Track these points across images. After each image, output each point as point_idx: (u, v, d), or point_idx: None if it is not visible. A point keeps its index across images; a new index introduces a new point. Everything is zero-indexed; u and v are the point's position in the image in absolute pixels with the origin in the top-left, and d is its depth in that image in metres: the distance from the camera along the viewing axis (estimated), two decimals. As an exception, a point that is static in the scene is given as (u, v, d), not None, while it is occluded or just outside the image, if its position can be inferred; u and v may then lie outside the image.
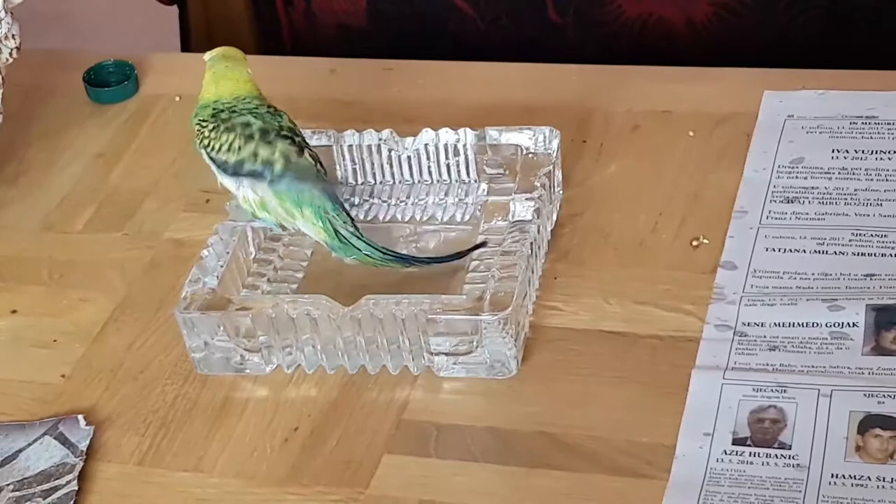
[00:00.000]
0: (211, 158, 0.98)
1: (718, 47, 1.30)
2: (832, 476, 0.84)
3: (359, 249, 0.96)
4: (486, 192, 1.03)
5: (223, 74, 1.00)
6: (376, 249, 0.96)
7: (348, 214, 0.97)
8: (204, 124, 0.98)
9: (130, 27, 2.19)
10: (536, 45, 1.34)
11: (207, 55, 1.02)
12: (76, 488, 0.90)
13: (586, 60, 1.19)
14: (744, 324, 0.93)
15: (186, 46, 1.50)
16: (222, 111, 0.98)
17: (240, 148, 0.96)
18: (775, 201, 1.02)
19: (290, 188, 0.96)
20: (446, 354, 0.92)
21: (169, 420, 0.94)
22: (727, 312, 0.94)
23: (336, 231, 0.96)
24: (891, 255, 0.96)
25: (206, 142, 0.98)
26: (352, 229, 0.96)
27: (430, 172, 1.05)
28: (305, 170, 0.96)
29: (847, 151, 1.05)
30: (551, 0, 1.31)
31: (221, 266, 0.97)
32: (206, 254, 0.97)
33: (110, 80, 1.22)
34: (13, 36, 1.08)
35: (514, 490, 0.87)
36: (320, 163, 0.98)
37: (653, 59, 1.19)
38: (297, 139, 0.98)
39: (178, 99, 1.21)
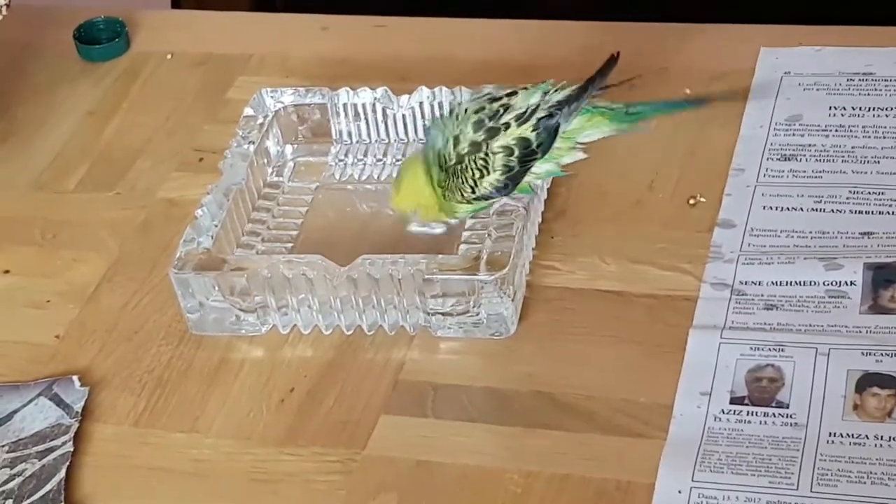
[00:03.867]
0: (486, 198, 0.93)
1: (714, 2, 1.29)
2: (830, 434, 0.84)
3: (646, 111, 0.94)
4: (481, 151, 1.03)
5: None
6: (656, 105, 0.95)
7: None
8: (445, 185, 0.93)
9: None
10: (530, 1, 1.33)
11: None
12: (71, 449, 0.89)
13: (580, 16, 1.18)
14: (741, 283, 0.93)
15: (176, 2, 1.49)
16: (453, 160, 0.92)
17: (484, 160, 0.92)
18: (772, 159, 1.01)
19: (575, 133, 0.94)
20: (443, 314, 0.92)
21: (164, 381, 0.93)
22: (724, 271, 0.94)
23: (624, 119, 0.94)
24: (888, 212, 0.96)
25: (468, 196, 0.93)
26: (634, 108, 0.94)
27: (425, 131, 1.04)
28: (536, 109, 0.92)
29: (844, 108, 1.04)
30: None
31: (216, 226, 0.96)
32: (200, 213, 0.97)
33: (101, 38, 1.21)
34: (3, -7, 1.07)
35: (511, 450, 0.87)
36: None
37: (646, 14, 1.19)
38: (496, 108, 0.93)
39: (169, 57, 1.20)
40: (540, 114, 0.92)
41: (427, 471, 0.86)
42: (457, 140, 0.92)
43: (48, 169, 1.11)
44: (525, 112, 0.92)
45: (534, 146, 0.92)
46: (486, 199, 0.93)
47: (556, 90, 0.94)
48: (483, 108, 0.93)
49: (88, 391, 0.93)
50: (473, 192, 0.92)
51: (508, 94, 0.93)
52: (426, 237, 0.97)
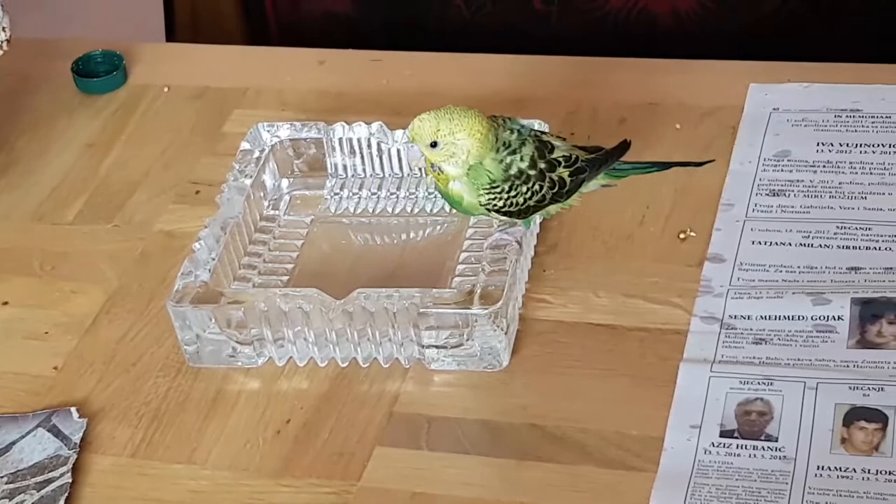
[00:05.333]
0: (508, 214, 0.96)
1: (703, 37, 1.31)
2: (818, 468, 0.85)
3: (627, 170, 0.99)
4: (475, 185, 1.04)
5: (466, 128, 0.94)
6: (638, 165, 0.99)
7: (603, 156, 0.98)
8: (497, 189, 0.94)
9: (114, 10, 2.19)
10: (521, 33, 1.34)
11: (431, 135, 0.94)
12: (70, 480, 0.90)
13: (570, 50, 1.20)
14: (731, 317, 0.94)
15: (171, 32, 1.50)
16: (508, 165, 0.94)
17: (541, 188, 0.95)
18: (761, 194, 1.03)
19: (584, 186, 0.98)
20: (437, 347, 0.93)
21: (162, 412, 0.95)
22: (714, 305, 0.95)
23: (612, 175, 0.99)
24: (875, 248, 0.97)
25: (507, 203, 0.95)
26: (620, 167, 0.98)
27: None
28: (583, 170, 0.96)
29: (832, 144, 1.06)
30: (536, -12, 1.32)
31: (213, 259, 0.98)
32: (197, 247, 0.98)
33: (99, 71, 1.22)
34: (3, 29, 1.09)
35: (505, 482, 0.88)
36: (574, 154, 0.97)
37: (637, 49, 1.20)
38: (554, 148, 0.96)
39: (166, 90, 1.21)
40: (578, 164, 0.96)
41: (422, 503, 0.87)
42: (530, 158, 0.94)
43: (47, 201, 1.12)
44: (570, 157, 0.96)
45: (565, 191, 0.96)
46: (503, 214, 0.96)
47: (572, 145, 0.97)
48: (531, 133, 0.96)
49: (86, 422, 0.94)
50: (509, 206, 0.95)
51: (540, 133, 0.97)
52: (418, 270, 0.99)
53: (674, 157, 1.07)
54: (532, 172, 0.95)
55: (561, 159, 0.95)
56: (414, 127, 0.95)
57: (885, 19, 1.28)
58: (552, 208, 0.97)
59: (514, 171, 0.94)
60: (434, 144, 0.94)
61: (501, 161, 0.94)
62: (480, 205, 0.95)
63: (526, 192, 0.95)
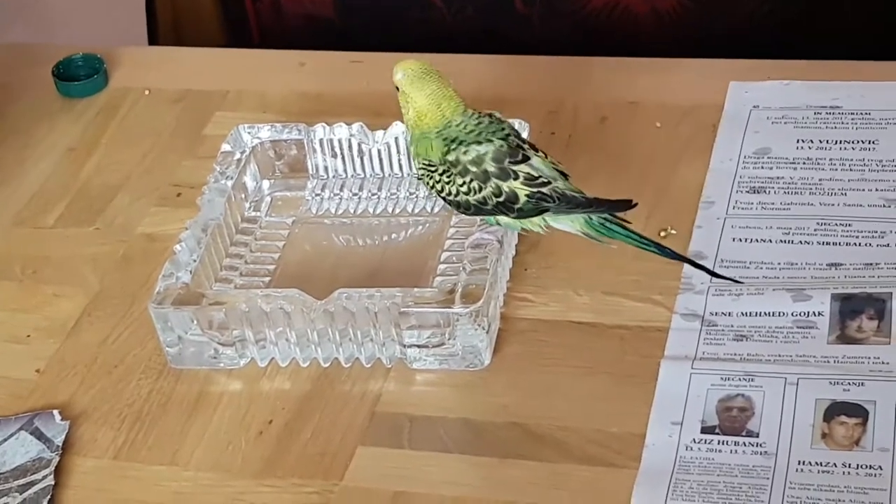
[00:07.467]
0: (446, 200, 0.95)
1: (684, 36, 1.31)
2: (799, 463, 0.85)
3: (618, 233, 0.94)
4: (456, 185, 1.04)
5: (431, 95, 0.96)
6: (633, 236, 0.94)
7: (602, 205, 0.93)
8: (432, 168, 0.95)
9: (96, 16, 2.19)
10: (502, 35, 1.35)
11: (400, 73, 0.97)
12: (52, 483, 0.90)
13: (552, 51, 1.20)
14: (711, 313, 0.94)
15: (153, 37, 1.50)
16: (448, 151, 0.94)
17: (480, 188, 0.93)
18: (741, 191, 1.03)
19: (552, 218, 0.94)
20: (419, 346, 0.93)
21: (144, 414, 0.95)
22: (695, 302, 0.95)
23: (597, 228, 0.94)
24: (855, 244, 0.98)
25: (438, 186, 0.95)
26: (610, 224, 0.94)
27: (400, 166, 1.06)
28: (549, 197, 0.93)
29: (812, 141, 1.06)
30: (518, -10, 1.33)
31: (195, 261, 0.98)
32: (178, 249, 0.98)
33: (79, 74, 1.22)
34: (-17, 33, 1.09)
35: (487, 480, 0.88)
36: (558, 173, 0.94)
37: (619, 49, 1.20)
38: (526, 155, 0.94)
39: (147, 93, 1.21)
40: (544, 189, 0.93)
41: (404, 502, 0.87)
42: (477, 153, 0.93)
43: (28, 205, 1.12)
44: (536, 178, 0.93)
45: (516, 206, 0.93)
46: (443, 198, 0.96)
47: (564, 177, 0.94)
48: (508, 136, 0.94)
49: (69, 425, 0.94)
50: (443, 193, 0.95)
51: (531, 147, 0.95)
52: (399, 270, 0.99)
53: (655, 155, 1.07)
54: (473, 169, 0.93)
55: (521, 174, 0.93)
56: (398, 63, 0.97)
57: (863, 18, 1.28)
58: (511, 223, 0.95)
59: (452, 157, 0.94)
60: (397, 88, 0.97)
61: (447, 144, 0.94)
62: (417, 177, 0.94)
63: (462, 185, 0.94)
